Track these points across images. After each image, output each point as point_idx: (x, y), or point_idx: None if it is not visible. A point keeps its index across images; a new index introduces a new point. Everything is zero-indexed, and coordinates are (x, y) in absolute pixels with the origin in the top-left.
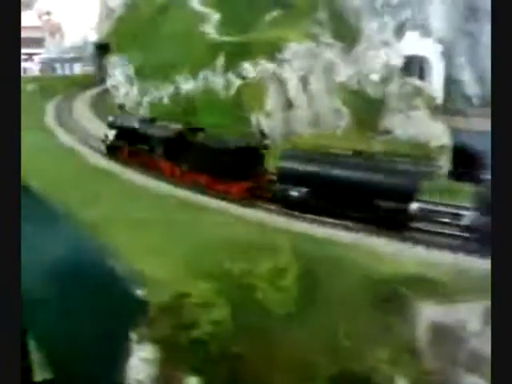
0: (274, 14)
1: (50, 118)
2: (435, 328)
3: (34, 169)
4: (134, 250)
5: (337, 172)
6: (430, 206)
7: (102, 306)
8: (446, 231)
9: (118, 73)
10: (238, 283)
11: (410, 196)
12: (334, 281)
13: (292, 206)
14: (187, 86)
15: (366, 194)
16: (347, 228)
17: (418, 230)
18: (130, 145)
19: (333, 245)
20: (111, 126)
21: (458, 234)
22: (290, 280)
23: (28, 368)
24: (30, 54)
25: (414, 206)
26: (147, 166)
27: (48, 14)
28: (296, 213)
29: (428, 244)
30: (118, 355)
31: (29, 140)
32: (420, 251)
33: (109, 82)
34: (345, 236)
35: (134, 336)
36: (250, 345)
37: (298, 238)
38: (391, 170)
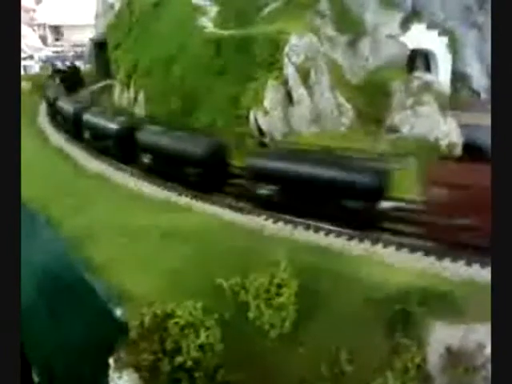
0: (274, 6)
1: (42, 118)
2: (449, 352)
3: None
4: (117, 264)
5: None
6: (403, 205)
7: (80, 328)
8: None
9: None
10: (229, 301)
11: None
12: (335, 298)
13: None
14: (184, 82)
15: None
16: (352, 237)
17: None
18: None
19: (336, 256)
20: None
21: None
22: (288, 297)
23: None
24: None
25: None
26: None
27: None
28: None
29: (441, 254)
30: (95, 382)
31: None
32: (433, 262)
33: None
34: (349, 246)
35: (112, 361)
36: (241, 371)
37: (297, 248)
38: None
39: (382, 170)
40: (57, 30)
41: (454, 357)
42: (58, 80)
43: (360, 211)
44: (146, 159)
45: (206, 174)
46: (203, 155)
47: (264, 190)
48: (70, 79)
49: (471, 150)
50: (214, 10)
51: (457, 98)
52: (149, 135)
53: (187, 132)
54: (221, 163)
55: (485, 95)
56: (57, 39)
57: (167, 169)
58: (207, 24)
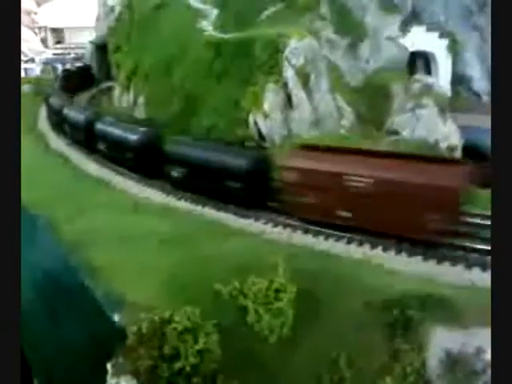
0: (274, 9)
1: (43, 121)
2: (449, 357)
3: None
4: (116, 269)
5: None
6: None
7: (77, 332)
8: None
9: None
10: (227, 306)
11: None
12: (334, 302)
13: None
14: (184, 85)
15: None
16: (351, 241)
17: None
18: None
19: (335, 260)
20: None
21: None
22: (286, 302)
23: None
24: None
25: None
26: None
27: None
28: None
29: (441, 258)
30: None
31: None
32: (432, 266)
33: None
34: (348, 250)
35: (109, 367)
36: (239, 376)
37: (296, 252)
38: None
39: (259, 155)
40: (58, 33)
41: (454, 362)
42: (59, 80)
43: (240, 191)
44: (102, 147)
45: (138, 158)
46: (136, 142)
47: (176, 173)
48: (76, 78)
49: (471, 152)
50: (213, 13)
51: (457, 100)
52: (104, 126)
53: (131, 123)
54: (154, 150)
55: (485, 97)
56: (58, 42)
57: (114, 154)
58: (207, 27)
